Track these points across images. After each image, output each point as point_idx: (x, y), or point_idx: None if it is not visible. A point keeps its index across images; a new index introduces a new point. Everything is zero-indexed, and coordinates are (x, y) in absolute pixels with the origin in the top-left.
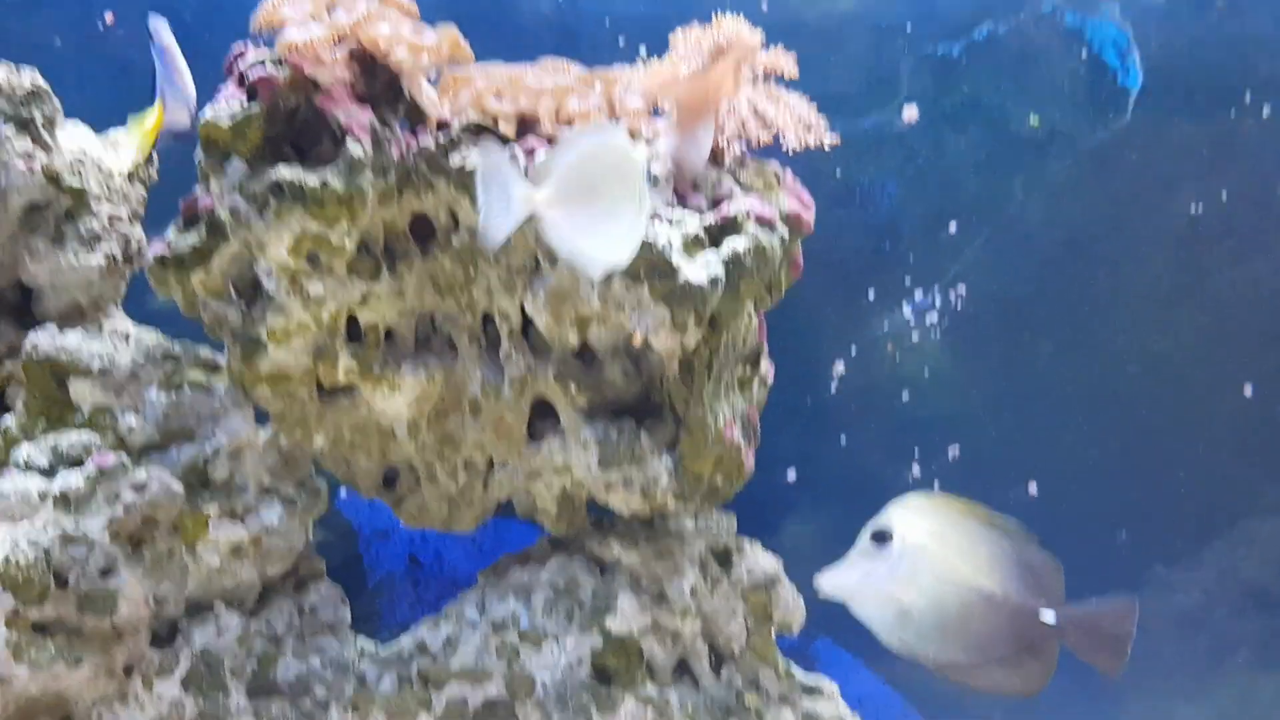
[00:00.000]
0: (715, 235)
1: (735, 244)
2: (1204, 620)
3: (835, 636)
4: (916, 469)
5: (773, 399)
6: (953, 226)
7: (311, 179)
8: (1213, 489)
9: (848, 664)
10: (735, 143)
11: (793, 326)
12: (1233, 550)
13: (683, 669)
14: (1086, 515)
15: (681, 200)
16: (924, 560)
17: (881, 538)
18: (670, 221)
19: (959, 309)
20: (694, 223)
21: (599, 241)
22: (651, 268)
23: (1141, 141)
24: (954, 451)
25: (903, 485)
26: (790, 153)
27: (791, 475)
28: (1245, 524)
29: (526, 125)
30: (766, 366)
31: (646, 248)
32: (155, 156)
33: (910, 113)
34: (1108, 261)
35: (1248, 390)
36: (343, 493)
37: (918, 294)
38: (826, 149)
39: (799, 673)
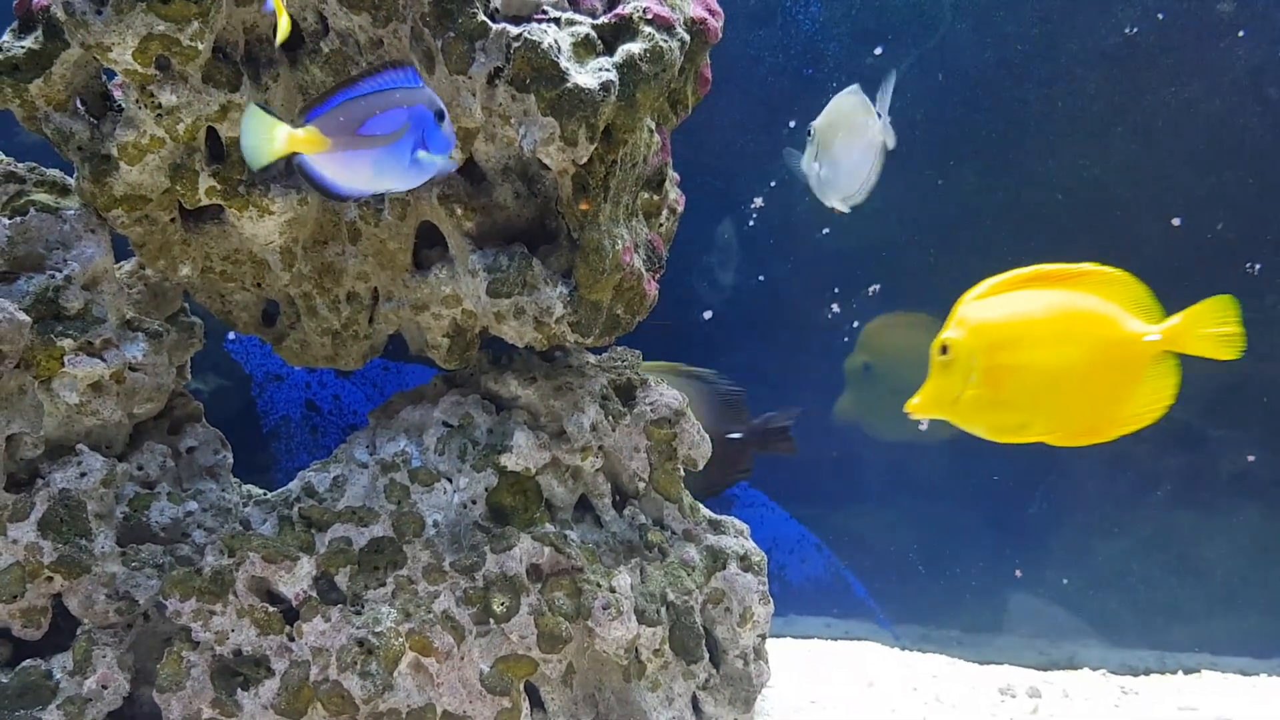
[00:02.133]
0: (609, 39)
1: (630, 48)
2: (1125, 457)
3: (751, 478)
4: (836, 306)
5: (688, 234)
6: (878, 50)
7: None
8: None
9: (764, 505)
10: None
11: (710, 158)
12: None
13: (585, 507)
14: None
15: (573, 1)
16: None
17: None
18: (559, 22)
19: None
20: (585, 24)
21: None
22: (538, 73)
23: None
24: (875, 288)
25: (821, 322)
26: None
27: (708, 314)
28: None
29: None
30: (676, 194)
31: (531, 48)
32: None
33: None
34: (1038, 85)
35: (1175, 221)
36: (232, 334)
37: None
38: None
39: (705, 509)
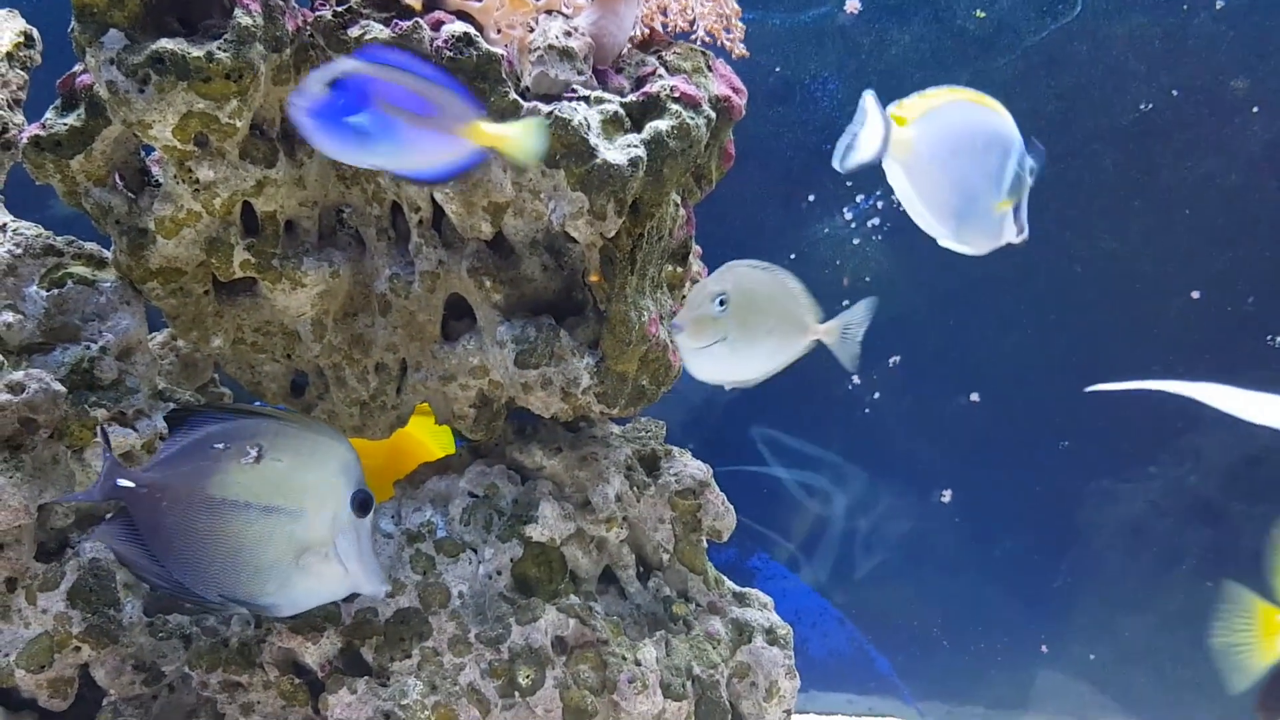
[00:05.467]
0: (637, 116)
1: (658, 124)
2: (1149, 532)
3: (773, 551)
4: (855, 378)
5: None
6: None
7: (196, 51)
8: (1159, 398)
9: (785, 578)
10: (656, 23)
11: (730, 231)
12: (1179, 462)
13: (609, 578)
14: (1030, 424)
15: (602, 80)
16: None
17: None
18: (588, 100)
19: (901, 212)
20: (614, 102)
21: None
22: (567, 149)
23: (1091, 36)
24: (894, 359)
25: (842, 395)
26: (721, 46)
27: (727, 384)
28: (1191, 435)
29: None
30: (699, 267)
31: (561, 125)
32: (38, 38)
33: (853, 5)
34: (1054, 161)
35: (1195, 294)
36: (256, 404)
37: (859, 197)
38: (735, 56)
39: (729, 582)
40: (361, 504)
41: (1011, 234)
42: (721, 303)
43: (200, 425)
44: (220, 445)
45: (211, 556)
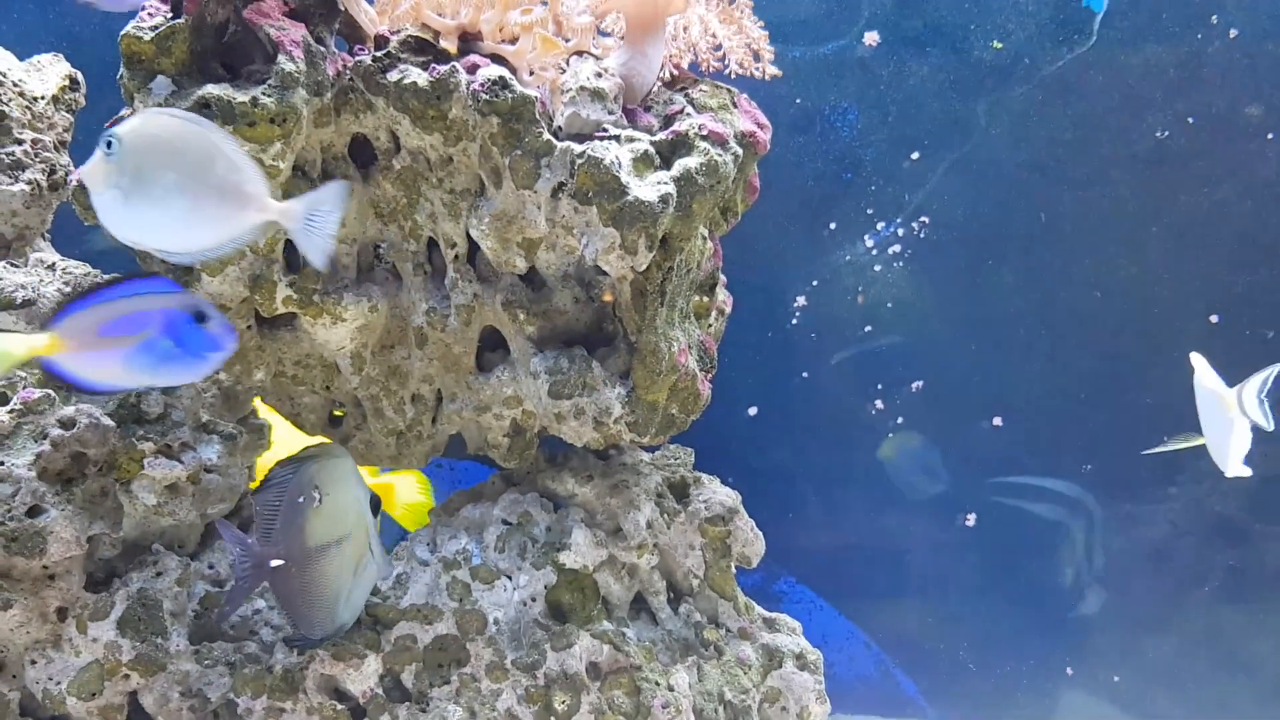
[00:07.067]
0: (666, 154)
1: (687, 162)
2: (1171, 553)
3: (799, 575)
4: (879, 402)
5: (733, 333)
6: (915, 154)
7: (241, 96)
8: (1179, 420)
9: (811, 602)
10: (685, 62)
11: (753, 259)
12: (1199, 483)
13: (640, 604)
14: (1052, 447)
15: (631, 119)
16: None
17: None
18: (619, 139)
19: (922, 238)
20: (644, 141)
21: None
22: (600, 187)
23: (1106, 65)
24: (917, 384)
25: (865, 419)
26: (751, 76)
27: (753, 410)
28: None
29: (468, 41)
30: (724, 296)
31: (593, 164)
32: (82, 81)
33: (871, 38)
34: (1072, 188)
35: (1214, 319)
36: None
37: (880, 224)
38: (767, 79)
39: (759, 607)
40: (374, 504)
41: None
42: (109, 144)
43: (277, 485)
44: (300, 499)
45: (319, 603)
